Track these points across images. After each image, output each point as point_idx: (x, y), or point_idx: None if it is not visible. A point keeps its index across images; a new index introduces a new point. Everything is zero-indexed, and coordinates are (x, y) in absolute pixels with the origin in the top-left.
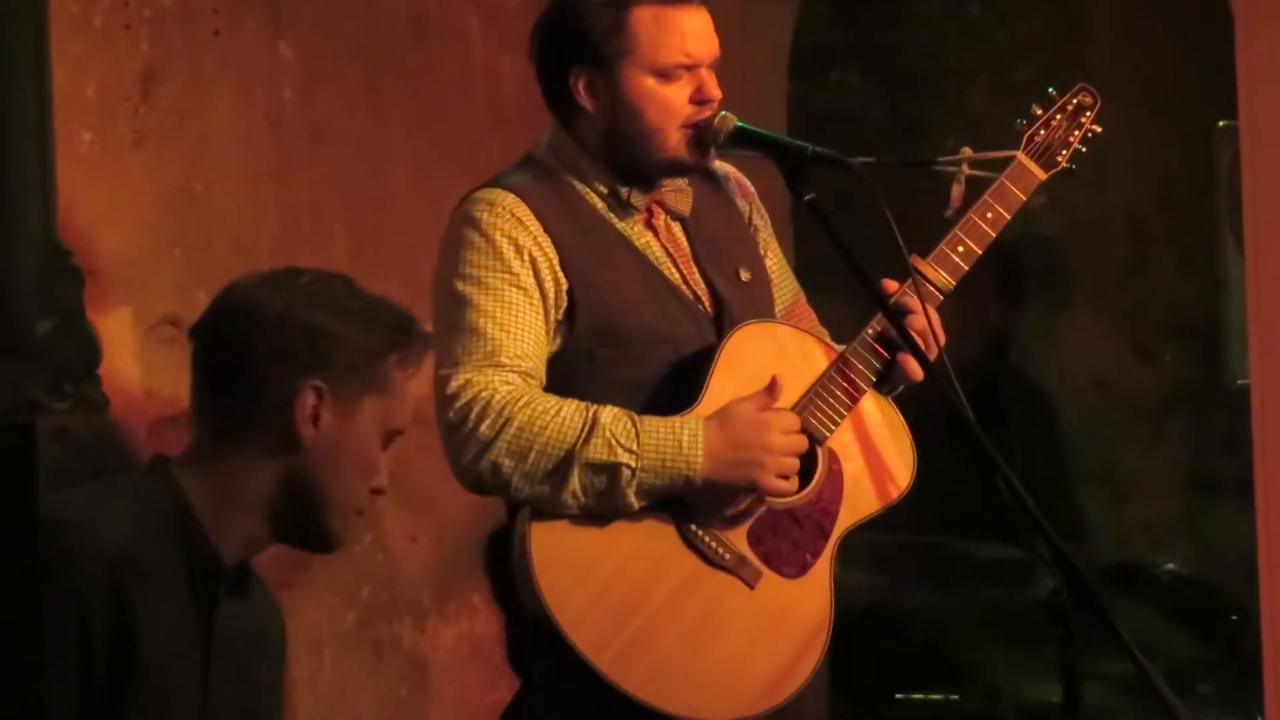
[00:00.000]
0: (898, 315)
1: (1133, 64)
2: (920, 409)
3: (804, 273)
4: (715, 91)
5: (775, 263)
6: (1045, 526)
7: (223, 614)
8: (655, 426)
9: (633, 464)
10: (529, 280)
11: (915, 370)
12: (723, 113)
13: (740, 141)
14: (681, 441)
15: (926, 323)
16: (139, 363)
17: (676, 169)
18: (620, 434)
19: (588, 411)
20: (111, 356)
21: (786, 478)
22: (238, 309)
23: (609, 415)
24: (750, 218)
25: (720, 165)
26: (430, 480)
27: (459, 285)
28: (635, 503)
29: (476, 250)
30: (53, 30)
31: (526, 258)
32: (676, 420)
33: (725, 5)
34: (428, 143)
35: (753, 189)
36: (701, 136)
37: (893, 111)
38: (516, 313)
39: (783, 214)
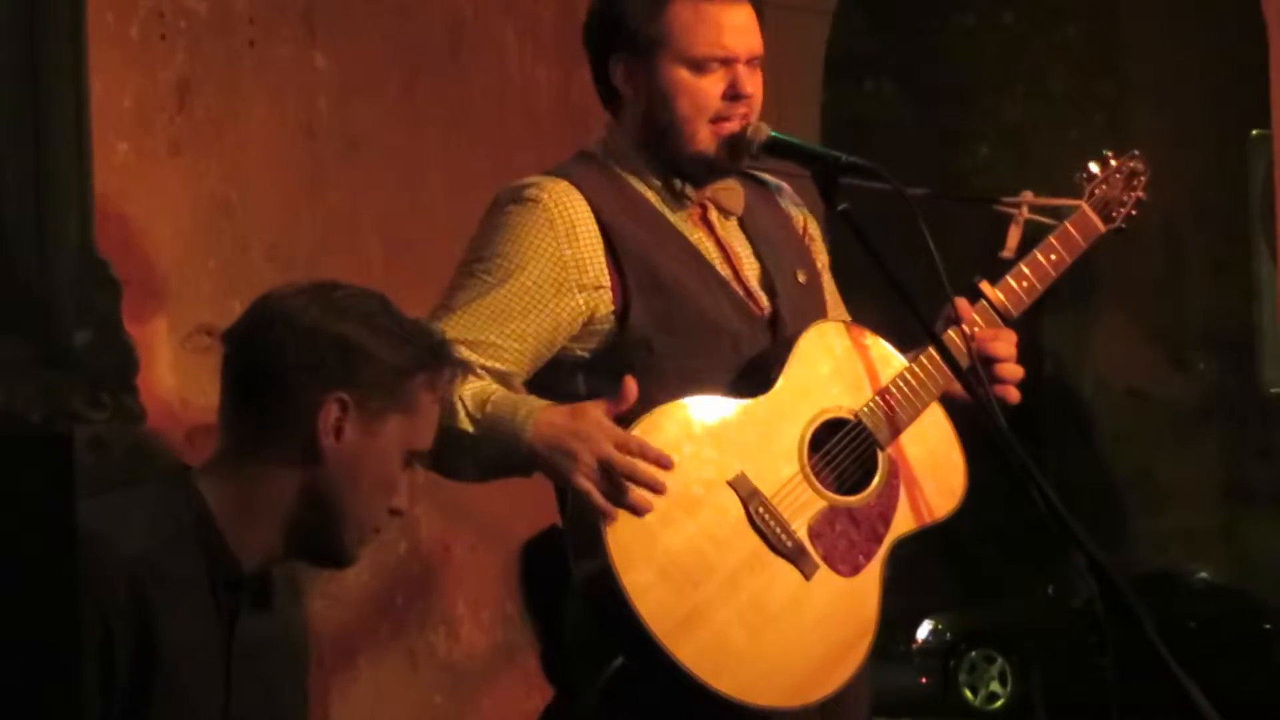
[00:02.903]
0: (928, 323)
1: (1167, 73)
2: (954, 417)
3: (839, 283)
4: (748, 87)
5: (828, 281)
6: (1080, 535)
7: (244, 623)
8: (504, 398)
9: (471, 430)
10: (538, 278)
11: (1013, 395)
12: (757, 123)
13: (774, 151)
14: (517, 411)
15: (1007, 350)
16: (175, 372)
17: (709, 168)
18: (470, 403)
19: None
20: (148, 366)
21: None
22: (271, 317)
23: (470, 387)
24: (805, 228)
25: (778, 182)
26: (465, 490)
27: (468, 258)
28: (472, 471)
29: (499, 233)
30: (89, 41)
31: (551, 256)
32: (530, 398)
33: (761, 14)
34: (463, 153)
35: (805, 206)
36: (734, 145)
37: (927, 120)
38: (501, 302)
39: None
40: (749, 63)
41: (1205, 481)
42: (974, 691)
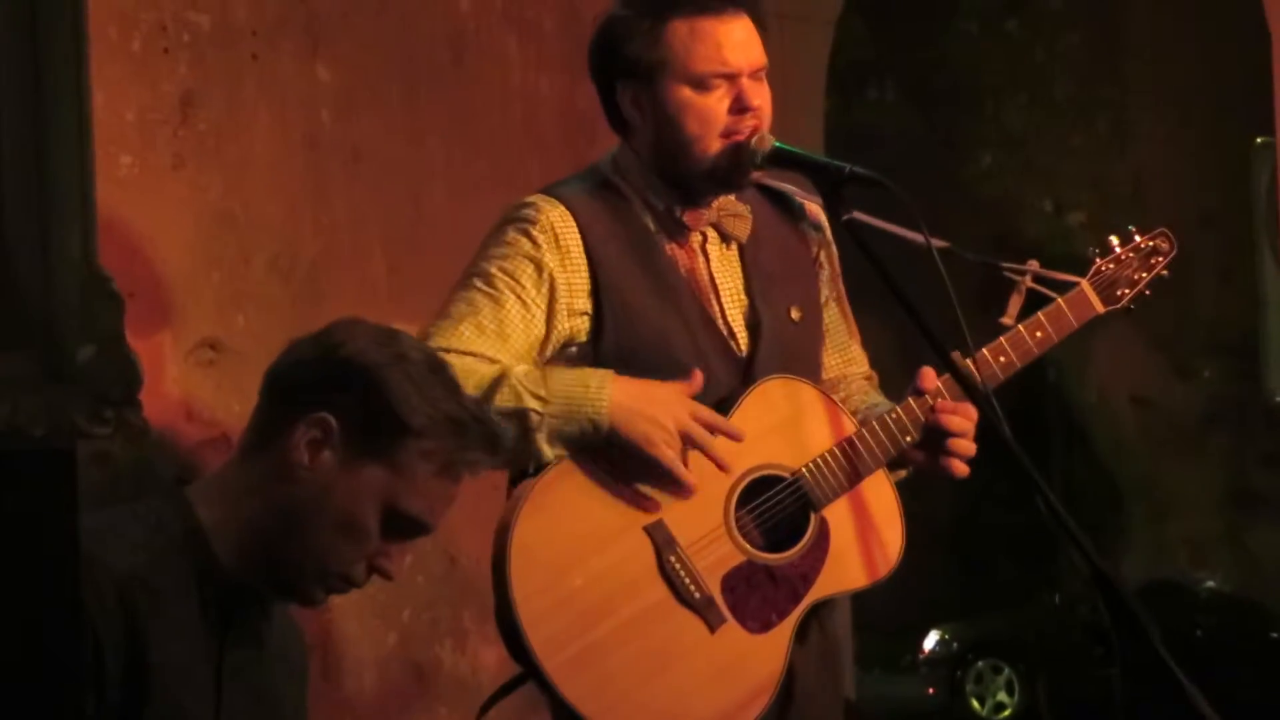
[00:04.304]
0: (938, 340)
1: (1170, 81)
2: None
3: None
4: (754, 100)
5: (834, 309)
6: (1084, 544)
7: (237, 636)
8: (564, 374)
9: (540, 409)
10: (535, 297)
11: (960, 470)
12: (761, 133)
13: (778, 161)
14: (589, 385)
15: (966, 426)
16: (179, 386)
17: (720, 182)
18: (528, 382)
19: (500, 367)
20: (151, 380)
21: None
22: (320, 334)
23: (521, 368)
24: (818, 257)
25: (802, 198)
26: (471, 501)
27: (470, 275)
28: (547, 449)
29: (501, 251)
30: (92, 54)
31: (546, 277)
32: (586, 369)
33: (763, 24)
34: (465, 163)
35: (827, 226)
36: (738, 154)
37: (930, 128)
38: (505, 319)
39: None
40: (753, 75)
41: (1210, 489)
42: (981, 701)
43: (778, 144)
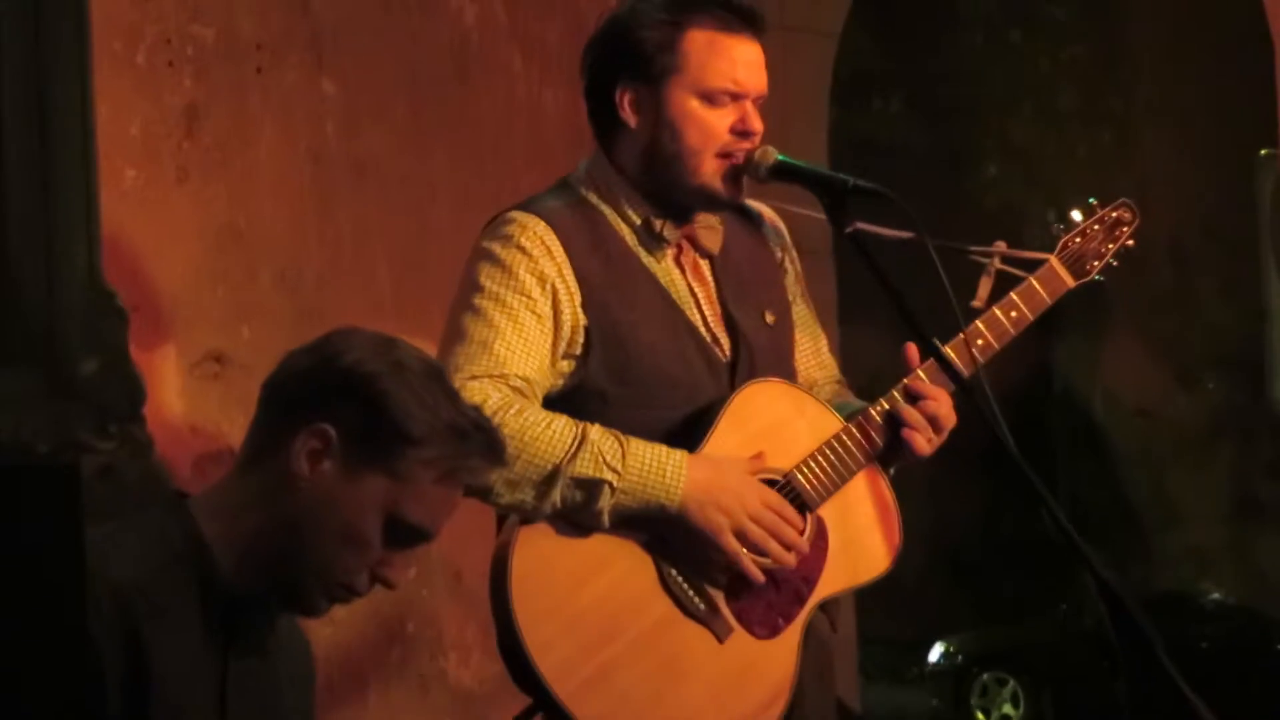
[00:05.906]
0: (937, 349)
1: (1174, 92)
2: (963, 438)
3: (845, 304)
4: (757, 124)
5: (802, 311)
6: (1089, 557)
7: (241, 649)
8: (642, 451)
9: (615, 483)
10: (546, 308)
11: (922, 448)
12: (763, 146)
13: (781, 175)
14: (665, 470)
15: (938, 409)
16: (183, 399)
17: (709, 200)
18: (607, 452)
19: (577, 427)
20: (155, 393)
21: (753, 547)
22: (318, 344)
23: (597, 433)
24: (782, 262)
25: (757, 206)
26: (475, 514)
27: (476, 299)
28: (607, 521)
29: (502, 269)
30: (96, 68)
31: (549, 288)
32: (663, 449)
33: (767, 34)
34: (469, 177)
35: (786, 231)
36: (739, 170)
37: (934, 139)
38: (527, 335)
39: (825, 246)
40: (756, 101)
41: (1216, 500)
42: (986, 714)
43: (781, 157)
